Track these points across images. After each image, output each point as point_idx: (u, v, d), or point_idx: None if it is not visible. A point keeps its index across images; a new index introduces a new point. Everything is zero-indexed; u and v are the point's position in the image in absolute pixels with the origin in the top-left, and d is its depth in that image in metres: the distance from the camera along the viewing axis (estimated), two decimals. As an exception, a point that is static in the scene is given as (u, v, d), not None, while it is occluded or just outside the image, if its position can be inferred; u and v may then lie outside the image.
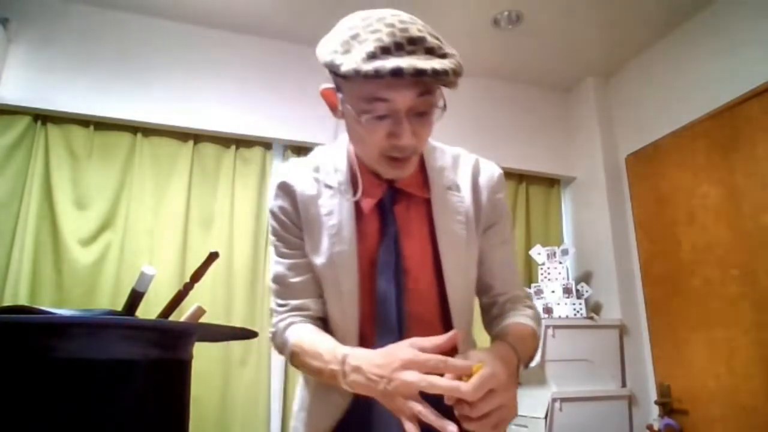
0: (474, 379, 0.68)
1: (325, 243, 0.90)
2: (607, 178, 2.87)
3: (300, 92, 2.67)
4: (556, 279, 2.65)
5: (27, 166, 2.23)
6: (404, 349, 0.73)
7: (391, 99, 0.77)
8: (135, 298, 0.62)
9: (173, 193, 2.40)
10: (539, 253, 2.73)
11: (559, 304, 2.58)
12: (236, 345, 2.30)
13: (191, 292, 0.72)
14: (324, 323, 0.94)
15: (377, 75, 0.72)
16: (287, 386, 2.34)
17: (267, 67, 2.67)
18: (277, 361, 2.37)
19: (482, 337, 1.00)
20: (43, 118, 2.30)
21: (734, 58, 2.29)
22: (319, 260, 0.91)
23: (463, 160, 1.00)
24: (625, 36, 2.68)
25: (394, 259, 0.90)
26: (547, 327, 2.44)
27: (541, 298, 2.63)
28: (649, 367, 2.59)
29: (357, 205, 0.92)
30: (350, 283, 0.89)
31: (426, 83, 0.77)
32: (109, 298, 2.16)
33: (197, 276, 0.71)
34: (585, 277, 2.87)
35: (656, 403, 2.46)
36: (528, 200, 3.04)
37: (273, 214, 0.96)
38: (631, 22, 2.57)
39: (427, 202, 0.94)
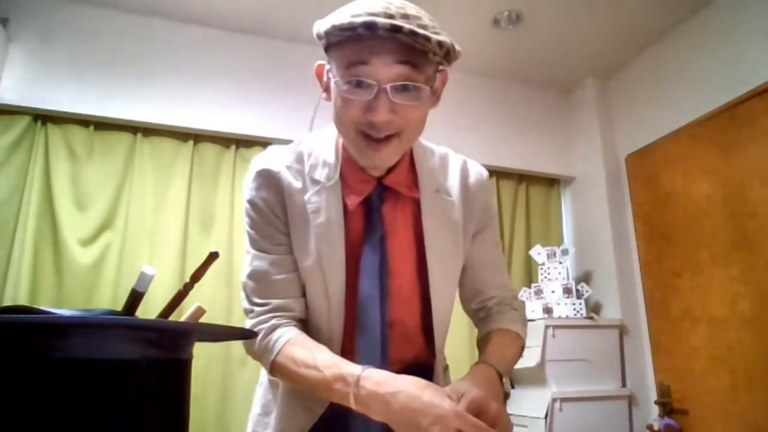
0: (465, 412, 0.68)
1: (312, 242, 0.85)
2: (607, 178, 2.87)
3: (300, 92, 2.67)
4: (556, 279, 2.65)
5: (27, 166, 2.23)
6: (447, 401, 0.67)
7: (370, 62, 0.73)
8: (135, 298, 0.62)
9: (173, 193, 2.40)
10: (539, 253, 2.73)
11: (559, 304, 2.58)
12: (236, 345, 2.29)
13: (191, 292, 0.72)
14: (304, 325, 0.88)
15: (351, 26, 0.71)
16: (287, 386, 2.34)
17: (267, 67, 2.67)
18: (277, 361, 2.37)
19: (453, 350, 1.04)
20: (43, 118, 2.30)
21: (734, 58, 2.29)
22: (306, 261, 0.86)
23: (451, 161, 0.97)
24: (625, 36, 2.68)
25: (379, 260, 0.86)
26: (547, 327, 2.44)
27: (541, 298, 2.63)
28: (649, 367, 2.59)
29: (344, 203, 0.87)
30: (336, 284, 0.85)
31: (410, 54, 0.74)
32: (109, 298, 2.16)
33: (197, 276, 0.70)
34: (585, 277, 2.87)
35: (656, 403, 2.46)
36: (528, 200, 3.04)
37: (254, 205, 0.87)
38: (631, 23, 2.57)
39: (416, 203, 0.90)
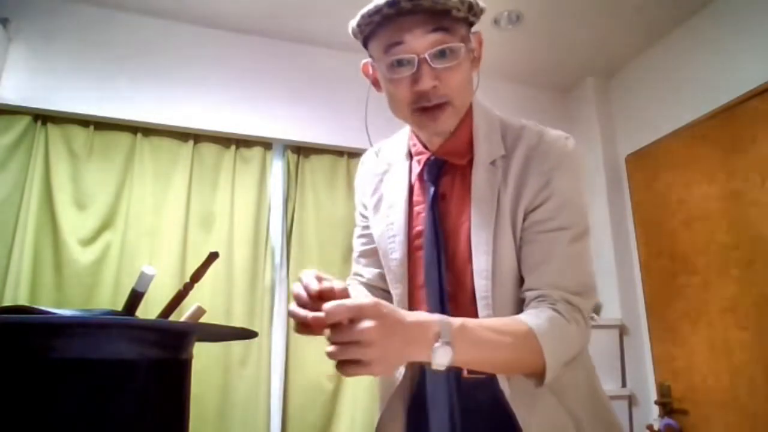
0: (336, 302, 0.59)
1: (382, 215, 0.96)
2: (607, 178, 2.87)
3: (300, 92, 2.67)
4: (556, 279, 2.64)
5: (27, 166, 2.22)
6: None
7: (404, 40, 0.78)
8: (135, 298, 0.62)
9: (173, 193, 2.40)
10: (539, 253, 2.73)
11: (559, 304, 2.58)
12: (236, 345, 2.29)
13: (191, 292, 0.72)
14: (386, 293, 0.98)
15: (377, 9, 0.76)
16: (287, 386, 2.34)
17: (267, 67, 2.67)
18: (277, 361, 2.37)
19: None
20: (43, 118, 2.30)
21: (734, 58, 2.28)
22: (376, 232, 0.97)
23: (525, 133, 0.90)
24: (625, 36, 2.68)
25: (431, 233, 0.87)
26: (547, 327, 2.44)
27: (541, 298, 2.63)
28: (649, 367, 2.59)
29: (410, 179, 0.95)
30: (399, 254, 0.91)
31: (438, 20, 0.78)
32: (109, 298, 2.16)
33: (197, 276, 0.71)
34: (585, 277, 2.87)
35: (656, 403, 2.45)
36: (528, 200, 3.04)
37: (354, 188, 1.08)
38: (631, 22, 2.57)
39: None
